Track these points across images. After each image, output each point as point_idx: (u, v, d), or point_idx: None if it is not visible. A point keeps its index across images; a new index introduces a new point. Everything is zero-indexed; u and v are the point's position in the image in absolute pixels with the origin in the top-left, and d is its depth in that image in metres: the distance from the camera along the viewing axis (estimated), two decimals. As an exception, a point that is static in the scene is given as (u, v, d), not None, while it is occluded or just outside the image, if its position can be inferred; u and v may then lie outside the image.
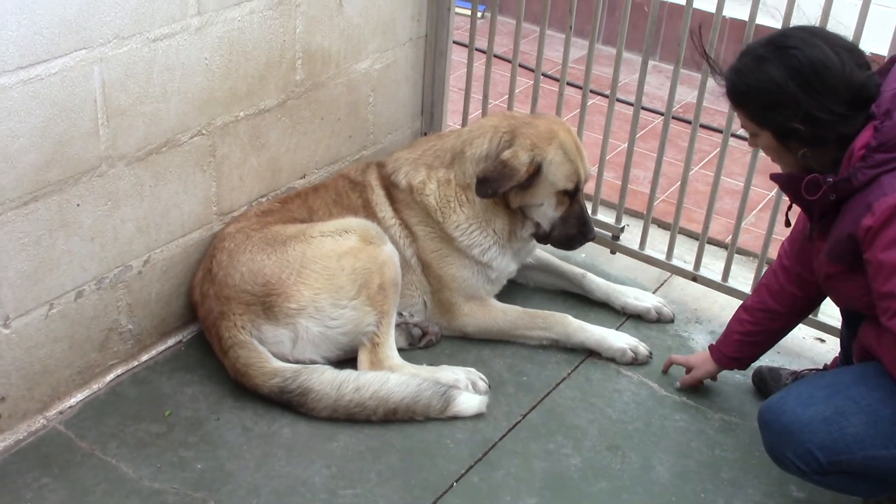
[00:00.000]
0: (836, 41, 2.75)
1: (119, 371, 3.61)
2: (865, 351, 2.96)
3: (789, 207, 3.13)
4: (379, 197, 3.83)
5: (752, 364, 3.56)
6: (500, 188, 3.61)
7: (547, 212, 3.73)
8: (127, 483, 3.18)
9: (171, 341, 3.77)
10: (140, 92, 3.26)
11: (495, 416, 3.51)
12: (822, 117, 2.72)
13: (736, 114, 2.95)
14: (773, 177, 2.94)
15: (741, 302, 3.89)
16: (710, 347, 3.53)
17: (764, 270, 3.93)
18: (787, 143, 2.83)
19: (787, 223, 3.22)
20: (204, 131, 3.54)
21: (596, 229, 3.99)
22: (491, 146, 3.67)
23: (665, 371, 3.71)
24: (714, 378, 3.62)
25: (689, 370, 3.64)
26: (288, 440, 3.35)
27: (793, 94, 2.71)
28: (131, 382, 3.59)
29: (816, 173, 2.79)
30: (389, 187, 3.83)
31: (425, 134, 4.56)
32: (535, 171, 3.62)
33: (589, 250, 4.35)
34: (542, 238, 3.84)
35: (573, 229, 3.76)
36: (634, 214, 4.60)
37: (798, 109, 2.73)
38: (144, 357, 3.69)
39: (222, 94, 3.55)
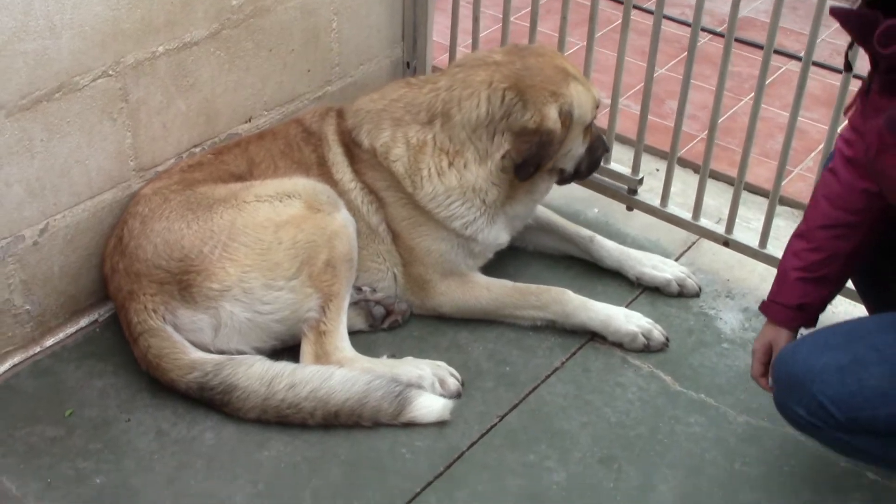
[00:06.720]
0: None
1: (16, 359, 3.39)
2: None
3: (850, 47, 2.89)
4: (336, 155, 3.54)
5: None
6: (544, 161, 3.40)
7: (576, 152, 3.54)
8: (9, 503, 2.93)
9: (83, 321, 3.54)
10: (17, 26, 2.99)
11: (466, 417, 3.24)
12: None
13: None
14: (834, 11, 2.54)
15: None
16: (764, 307, 3.01)
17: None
18: None
19: (847, 67, 3.01)
20: (111, 72, 3.27)
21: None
22: (493, 108, 3.34)
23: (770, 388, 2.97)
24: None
25: (764, 355, 2.99)
26: (209, 448, 3.12)
27: None
28: (31, 373, 3.36)
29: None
30: (349, 144, 3.52)
31: (408, 64, 4.25)
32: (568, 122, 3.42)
33: (603, 205, 4.04)
34: (567, 179, 3.65)
35: (598, 153, 3.64)
36: (663, 156, 4.22)
37: None
38: (49, 341, 3.46)
39: (132, 26, 3.26)
